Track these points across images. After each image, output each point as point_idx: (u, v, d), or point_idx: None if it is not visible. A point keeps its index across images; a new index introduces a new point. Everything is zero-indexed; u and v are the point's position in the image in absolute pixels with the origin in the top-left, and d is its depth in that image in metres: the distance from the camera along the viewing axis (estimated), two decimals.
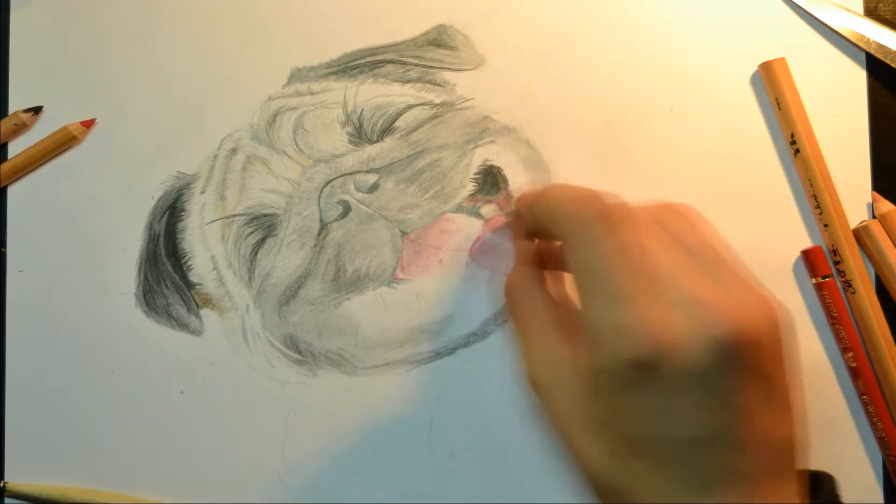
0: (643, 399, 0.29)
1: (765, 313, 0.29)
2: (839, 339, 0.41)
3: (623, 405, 0.29)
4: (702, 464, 0.28)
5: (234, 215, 0.43)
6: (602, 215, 0.31)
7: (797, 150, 0.41)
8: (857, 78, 0.42)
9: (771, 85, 0.42)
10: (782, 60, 0.42)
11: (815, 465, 0.33)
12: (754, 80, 0.42)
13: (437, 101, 0.43)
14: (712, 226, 0.35)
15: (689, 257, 0.30)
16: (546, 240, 0.37)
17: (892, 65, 0.41)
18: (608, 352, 0.29)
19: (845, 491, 0.33)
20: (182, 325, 0.43)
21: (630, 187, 0.42)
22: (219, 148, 0.44)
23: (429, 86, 0.43)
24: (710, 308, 0.28)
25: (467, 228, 0.42)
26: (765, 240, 0.42)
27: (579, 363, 0.31)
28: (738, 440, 0.28)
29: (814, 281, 0.41)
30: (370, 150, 0.43)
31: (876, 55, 0.42)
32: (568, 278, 0.36)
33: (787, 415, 0.29)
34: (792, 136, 0.41)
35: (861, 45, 0.42)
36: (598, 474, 0.30)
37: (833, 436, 0.42)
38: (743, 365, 0.28)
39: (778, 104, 0.41)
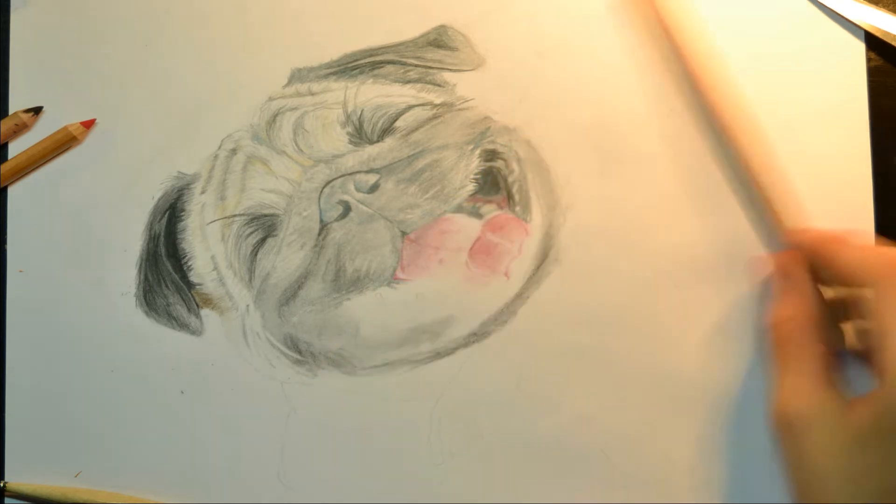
0: None
1: None
2: None
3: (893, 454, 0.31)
4: None
5: (235, 215, 0.43)
6: None
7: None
8: (858, 77, 0.42)
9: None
10: None
11: None
12: (754, 79, 0.42)
13: (438, 101, 0.43)
14: None
15: None
16: (837, 285, 0.38)
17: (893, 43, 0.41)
18: None
19: None
20: (182, 325, 0.43)
21: (630, 187, 0.42)
22: (219, 148, 0.44)
23: (429, 86, 0.43)
24: None
25: (467, 228, 0.42)
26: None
27: (856, 408, 0.33)
28: None
29: None
30: (370, 150, 0.43)
31: (876, 35, 0.41)
32: None
33: None
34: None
35: (862, 26, 0.41)
36: None
37: None
38: None
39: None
